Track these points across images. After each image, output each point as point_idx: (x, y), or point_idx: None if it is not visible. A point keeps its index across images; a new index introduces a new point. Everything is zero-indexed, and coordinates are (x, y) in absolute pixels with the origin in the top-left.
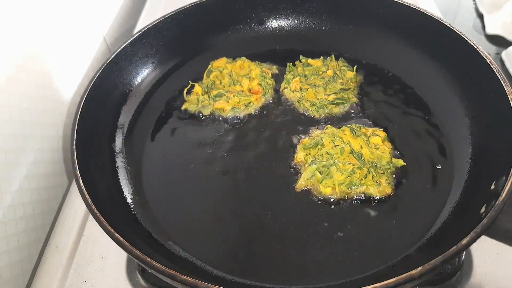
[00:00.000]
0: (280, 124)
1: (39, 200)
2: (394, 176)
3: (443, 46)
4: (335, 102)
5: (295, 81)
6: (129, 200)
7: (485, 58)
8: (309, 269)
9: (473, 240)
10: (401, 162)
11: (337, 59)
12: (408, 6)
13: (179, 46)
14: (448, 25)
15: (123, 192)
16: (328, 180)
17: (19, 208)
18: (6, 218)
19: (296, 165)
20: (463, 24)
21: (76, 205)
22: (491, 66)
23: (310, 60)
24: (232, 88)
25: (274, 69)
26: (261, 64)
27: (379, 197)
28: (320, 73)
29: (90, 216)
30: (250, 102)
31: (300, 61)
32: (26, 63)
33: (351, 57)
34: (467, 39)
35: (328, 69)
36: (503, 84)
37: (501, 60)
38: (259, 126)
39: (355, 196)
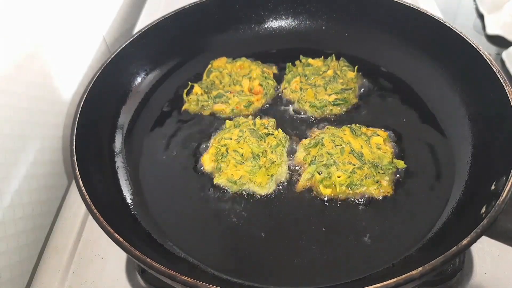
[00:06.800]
0: (280, 124)
1: (38, 201)
2: (394, 176)
3: (443, 46)
4: (336, 102)
5: (295, 81)
6: (129, 201)
7: (486, 59)
8: (309, 270)
9: (474, 240)
10: (402, 164)
11: (337, 58)
12: (409, 6)
13: (179, 46)
14: (449, 25)
15: (122, 193)
16: (328, 180)
17: (19, 209)
18: (6, 218)
19: (296, 166)
20: (464, 24)
21: (76, 206)
22: (492, 66)
23: (310, 60)
24: (232, 88)
25: (274, 69)
26: (261, 64)
27: (380, 198)
28: (321, 73)
29: (90, 217)
30: (250, 103)
31: (300, 61)
32: (26, 63)
33: (351, 57)
34: (467, 39)
35: (328, 69)
36: (504, 84)
37: (502, 61)
38: None
39: (356, 197)
